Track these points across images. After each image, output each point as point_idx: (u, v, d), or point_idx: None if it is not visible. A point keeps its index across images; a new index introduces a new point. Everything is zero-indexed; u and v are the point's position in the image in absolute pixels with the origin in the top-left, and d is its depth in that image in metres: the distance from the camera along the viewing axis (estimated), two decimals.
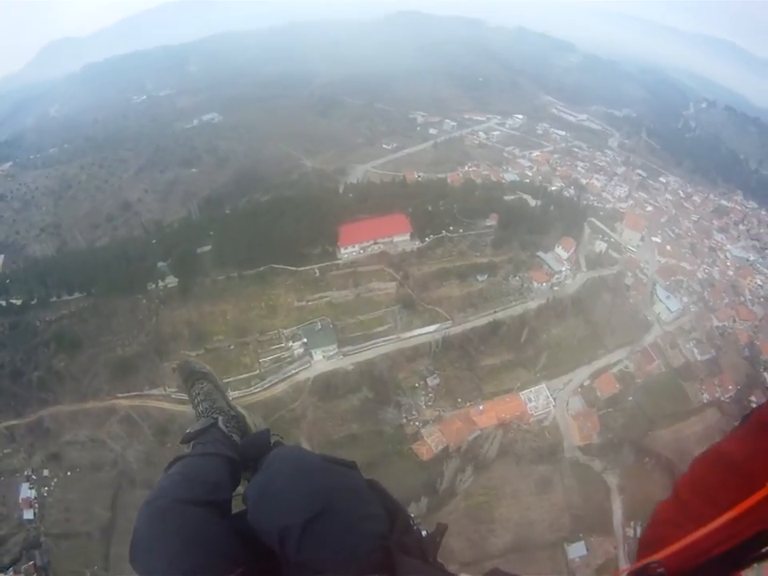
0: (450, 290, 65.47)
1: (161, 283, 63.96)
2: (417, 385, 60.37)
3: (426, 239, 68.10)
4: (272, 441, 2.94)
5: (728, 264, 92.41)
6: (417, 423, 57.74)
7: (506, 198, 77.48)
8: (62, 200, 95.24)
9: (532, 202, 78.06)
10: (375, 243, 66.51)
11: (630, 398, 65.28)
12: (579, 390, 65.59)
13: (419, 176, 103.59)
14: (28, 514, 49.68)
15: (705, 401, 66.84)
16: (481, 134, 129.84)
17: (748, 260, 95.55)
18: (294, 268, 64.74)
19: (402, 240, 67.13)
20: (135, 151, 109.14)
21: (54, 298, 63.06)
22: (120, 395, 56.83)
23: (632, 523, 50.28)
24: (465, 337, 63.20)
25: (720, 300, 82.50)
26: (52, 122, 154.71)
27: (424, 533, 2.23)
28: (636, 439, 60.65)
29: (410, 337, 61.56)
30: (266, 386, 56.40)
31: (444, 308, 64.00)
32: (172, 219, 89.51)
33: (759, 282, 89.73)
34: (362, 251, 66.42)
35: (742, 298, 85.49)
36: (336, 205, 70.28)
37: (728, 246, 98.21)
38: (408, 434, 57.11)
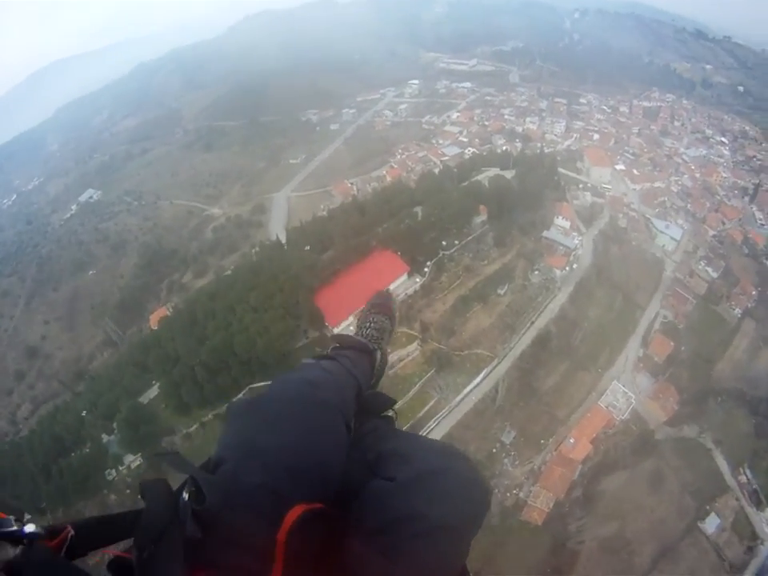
0: (478, 321, 49.70)
1: (121, 468, 43.67)
2: (494, 450, 45.43)
3: (425, 269, 50.65)
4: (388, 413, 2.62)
5: (692, 168, 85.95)
6: (514, 492, 44.28)
7: (480, 179, 61.58)
8: None
9: (508, 175, 63.10)
10: None
11: (683, 348, 58.22)
12: (640, 364, 56.08)
13: (352, 183, 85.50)
14: None
15: (738, 315, 63.01)
16: (387, 112, 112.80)
17: (704, 156, 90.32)
18: None
19: (401, 283, 49.14)
20: (18, 275, 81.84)
21: None
22: None
23: (741, 469, 46.96)
24: (519, 368, 48.62)
25: (703, 207, 77.05)
26: None
27: None
28: (706, 386, 55.16)
29: (462, 399, 45.63)
30: None
31: (482, 346, 48.39)
32: (91, 350, 66.02)
33: (724, 175, 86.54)
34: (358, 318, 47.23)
35: (718, 197, 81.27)
36: (295, 268, 49.58)
37: (681, 149, 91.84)
38: (509, 507, 43.69)
